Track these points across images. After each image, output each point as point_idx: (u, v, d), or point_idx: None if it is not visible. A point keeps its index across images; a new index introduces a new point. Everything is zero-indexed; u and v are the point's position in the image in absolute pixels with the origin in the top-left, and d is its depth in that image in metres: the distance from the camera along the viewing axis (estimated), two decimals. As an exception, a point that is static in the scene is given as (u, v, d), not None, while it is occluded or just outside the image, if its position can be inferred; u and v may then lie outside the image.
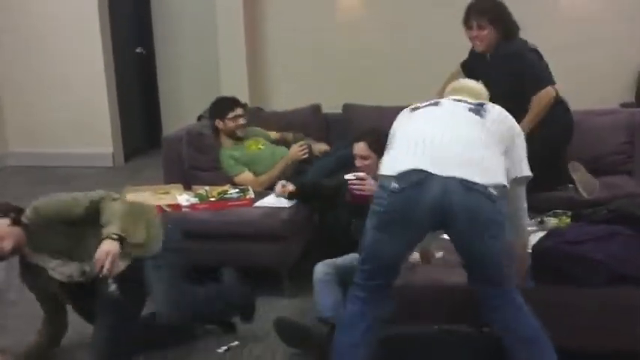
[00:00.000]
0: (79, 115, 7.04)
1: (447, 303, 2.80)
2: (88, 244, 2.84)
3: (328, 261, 3.32)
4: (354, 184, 3.51)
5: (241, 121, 4.29)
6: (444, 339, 2.56)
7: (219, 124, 4.30)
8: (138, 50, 7.83)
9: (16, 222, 2.87)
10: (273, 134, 4.55)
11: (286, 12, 6.53)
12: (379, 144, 3.29)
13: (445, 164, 2.31)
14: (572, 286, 2.67)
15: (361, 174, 3.52)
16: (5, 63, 7.12)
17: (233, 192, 3.94)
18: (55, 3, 6.89)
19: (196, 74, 7.67)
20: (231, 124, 4.27)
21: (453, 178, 2.27)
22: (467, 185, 2.26)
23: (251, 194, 3.91)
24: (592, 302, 2.67)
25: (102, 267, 2.70)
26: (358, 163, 3.55)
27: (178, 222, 3.40)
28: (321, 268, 3.27)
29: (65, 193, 3.06)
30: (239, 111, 4.29)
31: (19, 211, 2.92)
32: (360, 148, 3.53)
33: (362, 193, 3.46)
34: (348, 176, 3.56)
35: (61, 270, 2.93)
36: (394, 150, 2.47)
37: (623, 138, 4.23)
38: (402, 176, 2.32)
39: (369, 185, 3.41)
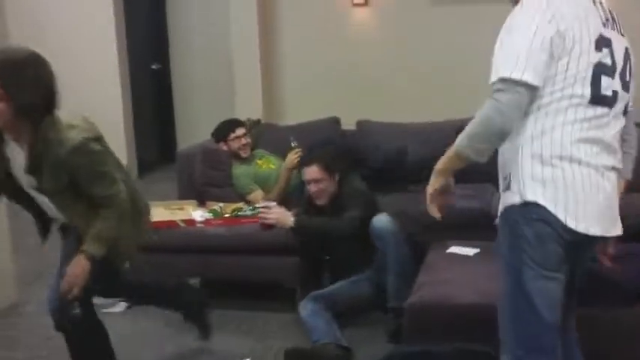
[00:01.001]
0: (94, 129, 7.09)
1: (459, 321, 2.79)
2: (76, 208, 2.57)
3: (311, 295, 3.34)
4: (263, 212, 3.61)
5: (243, 140, 4.33)
6: (457, 356, 2.54)
7: (223, 146, 4.34)
8: (153, 67, 7.90)
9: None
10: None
11: (300, 28, 6.57)
12: (333, 164, 3.38)
13: None
14: (592, 307, 2.65)
15: (271, 204, 3.66)
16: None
17: (247, 209, 3.95)
18: (72, 19, 6.98)
19: (211, 90, 7.72)
20: (234, 145, 4.31)
21: None
22: None
23: (264, 212, 3.91)
24: (611, 322, 2.66)
25: (67, 288, 2.51)
26: (312, 187, 3.46)
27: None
28: (306, 305, 3.30)
29: (112, 169, 2.64)
30: (239, 132, 4.35)
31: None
32: (313, 172, 3.44)
33: (265, 222, 3.56)
34: (260, 205, 3.69)
35: (31, 192, 2.59)
36: None
37: None
38: None
39: (273, 214, 3.53)
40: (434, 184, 2.11)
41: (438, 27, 6.23)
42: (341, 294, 3.39)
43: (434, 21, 6.23)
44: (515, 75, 1.92)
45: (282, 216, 3.51)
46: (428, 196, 2.12)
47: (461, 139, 2.02)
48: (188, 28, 7.91)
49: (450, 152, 2.06)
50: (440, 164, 2.10)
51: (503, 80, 1.94)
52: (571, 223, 1.96)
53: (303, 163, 3.52)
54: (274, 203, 3.58)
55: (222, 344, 3.39)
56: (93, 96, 7.04)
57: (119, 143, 7.11)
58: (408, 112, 5.12)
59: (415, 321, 2.88)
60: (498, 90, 1.94)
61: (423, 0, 6.27)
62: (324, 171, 3.41)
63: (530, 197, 1.97)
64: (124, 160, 7.16)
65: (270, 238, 3.61)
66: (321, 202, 3.48)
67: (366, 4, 6.42)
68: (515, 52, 1.95)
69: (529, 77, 1.91)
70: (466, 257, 3.24)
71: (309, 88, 6.59)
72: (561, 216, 1.96)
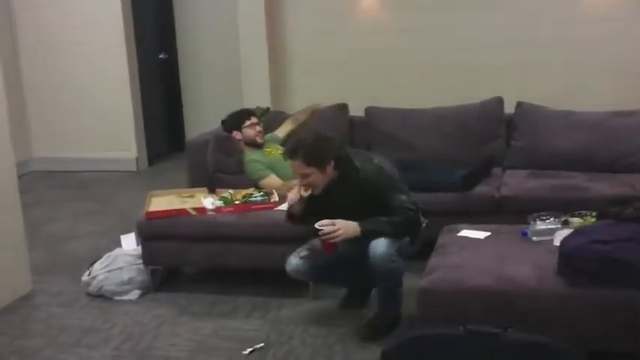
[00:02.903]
0: (103, 120, 7.13)
1: (469, 304, 2.80)
2: None
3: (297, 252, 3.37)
4: (325, 235, 3.16)
5: (258, 128, 4.35)
6: (469, 338, 2.55)
7: (237, 135, 4.35)
8: (161, 56, 7.90)
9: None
10: (281, 130, 4.60)
11: (308, 15, 6.55)
12: (316, 155, 3.15)
13: None
14: (605, 289, 2.65)
15: (330, 222, 3.17)
16: (30, 70, 7.23)
17: (257, 195, 3.97)
18: (80, 11, 6.99)
19: (219, 79, 7.72)
20: (249, 132, 4.32)
21: None
22: None
23: (275, 198, 3.93)
24: (623, 304, 2.66)
25: None
26: (302, 181, 3.24)
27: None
28: (294, 260, 3.35)
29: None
30: (254, 119, 4.37)
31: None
32: (297, 166, 3.20)
33: (333, 242, 3.18)
34: (318, 225, 3.18)
35: None
36: None
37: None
38: None
39: (340, 232, 3.15)
40: None
41: (443, 13, 6.20)
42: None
43: (438, 7, 6.20)
44: None
45: (347, 229, 3.19)
46: None
47: None
48: (195, 17, 7.90)
49: None
50: None
51: None
52: None
53: (288, 155, 3.26)
54: (329, 221, 3.19)
55: (236, 331, 3.42)
56: (102, 86, 7.07)
57: (129, 133, 7.14)
58: (417, 99, 5.13)
59: (427, 305, 2.89)
60: None
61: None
62: (309, 165, 3.17)
63: None
64: (133, 150, 7.28)
65: (281, 225, 3.61)
66: (315, 192, 3.27)
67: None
68: None
69: None
70: (477, 240, 3.24)
71: (317, 75, 6.57)
72: None
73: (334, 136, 3.57)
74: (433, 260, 3.09)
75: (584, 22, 5.90)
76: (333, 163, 3.21)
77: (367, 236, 3.17)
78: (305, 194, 3.28)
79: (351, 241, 3.21)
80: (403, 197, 3.23)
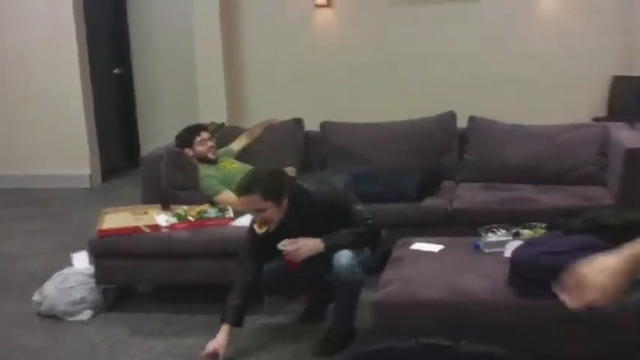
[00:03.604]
0: (56, 136, 7.01)
1: (424, 317, 2.82)
2: None
3: None
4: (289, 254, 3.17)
5: (209, 143, 4.33)
6: (422, 352, 2.56)
7: (189, 151, 4.34)
8: (115, 71, 7.82)
9: None
10: (236, 144, 4.59)
11: (263, 30, 6.57)
12: (274, 189, 3.10)
13: None
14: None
15: (292, 242, 3.16)
16: (-20, 86, 7.09)
17: (212, 211, 3.94)
18: (33, 26, 6.88)
19: (175, 93, 7.68)
20: (201, 148, 4.31)
21: None
22: None
23: (230, 213, 3.91)
24: (574, 313, 2.70)
25: None
26: (257, 217, 3.19)
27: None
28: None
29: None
30: (205, 135, 4.35)
31: None
32: (254, 202, 3.11)
33: (296, 261, 3.16)
34: (281, 246, 3.16)
35: None
36: None
37: (596, 150, 4.30)
38: None
39: (302, 250, 3.15)
40: None
41: (399, 27, 6.28)
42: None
43: (394, 21, 6.28)
44: None
45: (310, 246, 3.18)
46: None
47: None
48: (150, 31, 7.85)
49: None
50: None
51: None
52: None
53: (242, 191, 3.15)
54: (291, 240, 3.17)
55: (190, 349, 3.38)
56: (55, 102, 6.96)
57: (82, 150, 7.04)
58: (371, 112, 5.17)
59: (382, 318, 2.90)
60: None
61: (385, 1, 6.32)
62: (266, 200, 3.10)
63: None
64: (87, 166, 7.17)
65: (235, 241, 3.59)
66: (270, 228, 3.20)
67: (328, 5, 6.45)
68: None
69: None
70: (431, 253, 3.27)
71: (273, 89, 6.60)
72: None
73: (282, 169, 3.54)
74: (387, 273, 3.10)
75: (536, 37, 6.04)
76: (287, 196, 3.19)
77: (331, 250, 3.17)
78: (260, 231, 3.21)
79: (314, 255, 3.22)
80: (359, 208, 3.27)
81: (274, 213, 3.15)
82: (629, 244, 1.48)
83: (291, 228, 3.23)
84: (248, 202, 3.15)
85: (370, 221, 3.26)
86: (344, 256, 3.13)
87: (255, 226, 3.23)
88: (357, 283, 3.17)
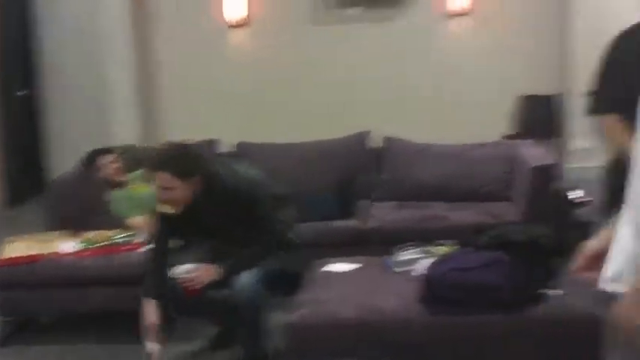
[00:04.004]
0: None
1: (339, 338, 2.80)
2: None
3: None
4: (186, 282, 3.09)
5: (116, 165, 4.24)
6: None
7: (96, 173, 4.23)
8: (21, 93, 7.54)
9: None
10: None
11: (179, 48, 6.48)
12: (186, 168, 3.00)
13: None
14: (468, 315, 2.73)
15: (188, 267, 3.12)
16: None
17: (120, 236, 3.83)
18: None
19: (85, 115, 7.45)
20: (106, 171, 4.21)
21: None
22: None
23: (139, 238, 3.80)
24: (485, 328, 2.74)
25: None
26: (163, 195, 3.06)
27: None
28: None
29: None
30: (110, 157, 4.27)
31: None
32: (164, 179, 2.99)
33: (194, 288, 3.09)
34: (178, 273, 3.09)
35: None
36: None
37: (504, 168, 4.41)
38: None
39: (200, 278, 3.09)
40: None
41: (318, 46, 6.31)
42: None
43: (314, 40, 6.31)
44: None
45: (208, 274, 3.12)
46: None
47: None
48: (59, 50, 7.60)
49: None
50: None
51: None
52: None
53: (155, 165, 3.04)
54: (192, 266, 3.12)
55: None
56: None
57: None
58: (288, 132, 5.16)
59: (296, 340, 2.86)
60: None
61: (303, 19, 6.34)
62: (177, 178, 2.99)
63: None
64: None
65: (139, 266, 3.48)
66: (172, 210, 3.08)
67: (245, 24, 6.42)
68: None
69: None
70: (345, 273, 3.26)
71: (189, 109, 6.51)
72: None
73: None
74: (301, 295, 3.07)
75: (449, 57, 6.19)
76: (199, 178, 3.06)
77: (230, 274, 3.10)
78: (165, 210, 3.08)
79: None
80: (273, 209, 3.18)
81: (182, 195, 3.02)
82: None
83: (202, 212, 3.10)
84: (159, 178, 3.02)
85: (282, 226, 3.18)
86: (243, 276, 3.06)
87: (162, 207, 3.09)
88: (257, 303, 3.08)
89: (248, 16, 6.33)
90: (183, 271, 3.07)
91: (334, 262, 3.39)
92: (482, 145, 4.63)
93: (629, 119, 2.48)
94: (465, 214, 4.09)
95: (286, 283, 3.24)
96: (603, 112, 2.57)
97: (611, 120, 2.48)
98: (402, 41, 6.18)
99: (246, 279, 3.06)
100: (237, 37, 6.46)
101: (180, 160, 3.02)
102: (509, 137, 5.82)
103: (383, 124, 4.99)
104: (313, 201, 4.20)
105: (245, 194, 3.12)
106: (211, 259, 3.21)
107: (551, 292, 2.82)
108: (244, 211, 3.11)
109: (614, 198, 2.28)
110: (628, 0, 5.39)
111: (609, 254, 1.58)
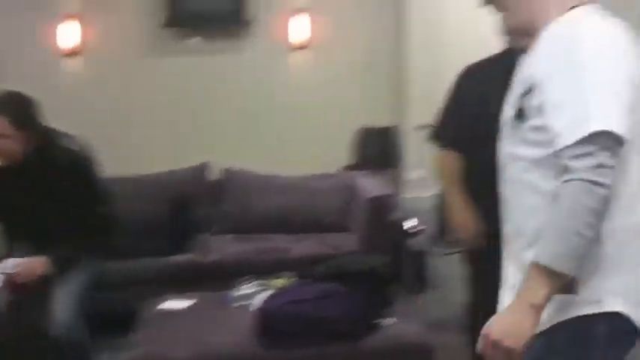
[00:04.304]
0: None
1: None
2: None
3: None
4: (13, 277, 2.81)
5: None
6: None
7: None
8: None
9: None
10: None
11: (10, 78, 6.08)
12: (25, 119, 2.81)
13: None
14: (307, 347, 2.71)
15: (18, 262, 2.81)
16: None
17: None
18: None
19: None
20: None
21: None
22: None
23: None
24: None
25: None
26: None
27: None
28: None
29: None
30: None
31: None
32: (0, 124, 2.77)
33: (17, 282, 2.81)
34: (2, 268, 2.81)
35: None
36: None
37: (343, 199, 4.49)
38: None
39: (23, 273, 2.80)
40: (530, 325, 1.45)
41: (157, 77, 6.16)
42: None
43: (152, 71, 6.15)
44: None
45: (32, 268, 2.81)
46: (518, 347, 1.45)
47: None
48: None
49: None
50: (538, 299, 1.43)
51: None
52: None
53: None
54: (18, 260, 2.81)
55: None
56: None
57: None
58: (128, 164, 4.96)
59: None
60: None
61: (140, 50, 6.17)
62: (13, 126, 2.76)
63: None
64: None
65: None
66: (3, 162, 2.85)
67: (79, 53, 6.14)
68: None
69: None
70: (182, 310, 3.16)
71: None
72: None
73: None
74: (134, 335, 2.94)
75: (290, 89, 6.26)
76: (34, 134, 2.83)
77: (59, 269, 2.83)
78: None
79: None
80: (99, 191, 2.98)
81: (14, 146, 2.79)
82: (519, 291, 1.47)
83: (27, 174, 2.85)
84: None
85: (105, 210, 2.97)
86: (63, 310, 2.81)
87: None
88: (76, 341, 2.84)
89: (82, 44, 6.08)
90: (9, 265, 2.80)
91: (170, 299, 3.28)
92: (322, 176, 4.69)
93: (465, 158, 2.57)
94: (305, 246, 4.10)
95: (119, 323, 3.08)
96: (440, 146, 2.64)
97: (445, 156, 2.53)
98: (242, 73, 6.17)
99: (64, 315, 2.82)
100: (71, 66, 6.18)
101: (20, 108, 2.80)
102: (349, 168, 5.96)
103: (224, 156, 4.93)
104: (149, 235, 4.05)
105: (83, 168, 2.93)
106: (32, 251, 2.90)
107: (385, 320, 2.87)
108: (72, 189, 2.87)
109: (443, 229, 2.37)
110: (465, 35, 5.75)
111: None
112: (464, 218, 2.59)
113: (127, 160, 5.46)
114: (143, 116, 6.10)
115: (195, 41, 6.15)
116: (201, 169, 4.69)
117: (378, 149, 6.33)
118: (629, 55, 1.49)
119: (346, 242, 4.13)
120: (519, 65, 1.64)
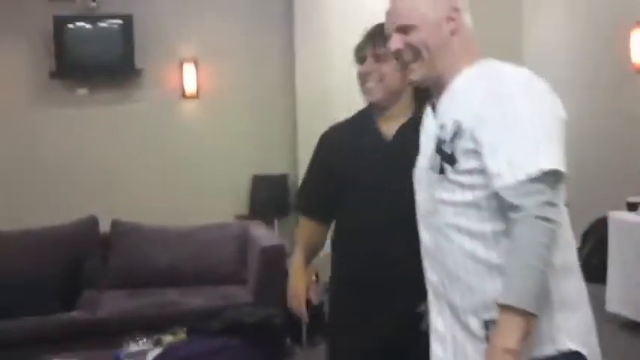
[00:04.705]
0: None
1: None
2: None
3: None
4: None
5: None
6: None
7: None
8: None
9: None
10: None
11: None
12: None
13: None
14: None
15: None
16: None
17: None
18: None
19: None
20: None
21: None
22: None
23: None
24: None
25: None
26: None
27: None
28: None
29: None
30: None
31: None
32: None
33: None
34: None
35: None
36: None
37: (236, 249, 4.46)
38: None
39: None
40: None
41: (45, 128, 6.00)
42: None
43: (40, 122, 5.98)
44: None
45: None
46: None
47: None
48: None
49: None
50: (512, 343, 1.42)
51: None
52: None
53: None
54: None
55: None
56: None
57: None
58: (13, 219, 4.78)
59: None
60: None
61: (27, 99, 5.98)
62: None
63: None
64: None
65: None
66: None
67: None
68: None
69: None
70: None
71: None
72: None
73: None
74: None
75: (180, 139, 6.24)
76: None
77: None
78: None
79: None
80: None
81: None
82: (491, 338, 1.45)
83: None
84: None
85: None
86: None
87: None
88: None
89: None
90: None
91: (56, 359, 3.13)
92: (214, 227, 4.65)
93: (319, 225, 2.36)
94: (197, 299, 4.03)
95: None
96: (299, 211, 2.41)
97: (302, 223, 2.32)
98: (131, 123, 6.10)
99: None
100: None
101: None
102: (242, 217, 5.95)
103: (114, 209, 4.83)
104: (35, 292, 3.88)
105: None
106: None
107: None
108: None
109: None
110: (353, 83, 5.89)
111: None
112: (296, 288, 2.33)
113: (12, 214, 5.26)
114: (30, 168, 5.91)
115: (83, 92, 6.04)
116: (90, 222, 4.56)
117: (271, 197, 6.36)
118: (549, 94, 1.56)
119: (241, 294, 4.11)
120: (429, 116, 1.68)
